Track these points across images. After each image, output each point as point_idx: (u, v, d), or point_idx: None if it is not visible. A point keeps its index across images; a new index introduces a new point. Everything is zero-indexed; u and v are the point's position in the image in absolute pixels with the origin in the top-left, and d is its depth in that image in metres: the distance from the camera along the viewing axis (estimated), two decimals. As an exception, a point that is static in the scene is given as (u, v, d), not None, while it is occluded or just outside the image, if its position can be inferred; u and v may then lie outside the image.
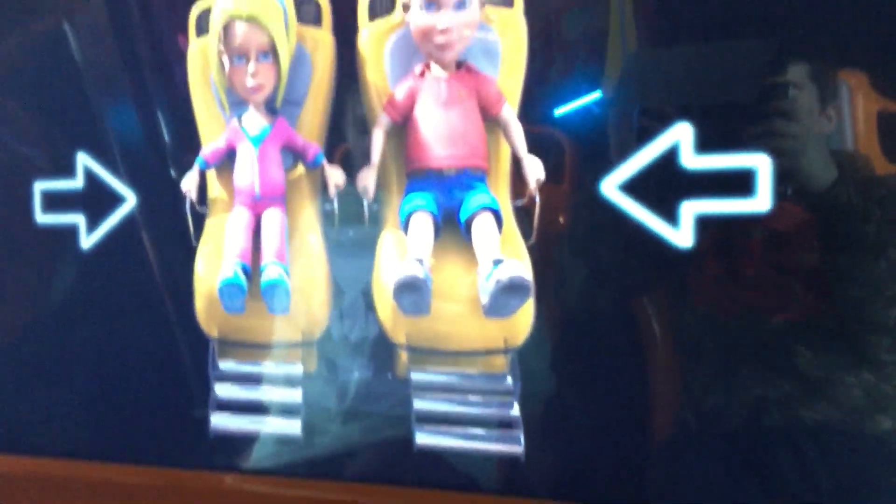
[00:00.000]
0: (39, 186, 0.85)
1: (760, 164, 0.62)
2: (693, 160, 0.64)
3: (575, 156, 0.70)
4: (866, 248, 0.63)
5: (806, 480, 0.65)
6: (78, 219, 0.84)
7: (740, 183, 0.63)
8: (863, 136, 0.63)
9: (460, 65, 0.72)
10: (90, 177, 0.83)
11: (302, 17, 0.75)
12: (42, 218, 0.85)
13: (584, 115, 0.69)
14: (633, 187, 0.66)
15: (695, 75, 0.65)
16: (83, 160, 0.83)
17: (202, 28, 0.77)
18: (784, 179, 0.62)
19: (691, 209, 0.64)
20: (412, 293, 0.68)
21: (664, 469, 0.68)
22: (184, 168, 0.78)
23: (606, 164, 0.67)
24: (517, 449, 0.70)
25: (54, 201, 0.85)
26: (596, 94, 0.69)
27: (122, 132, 0.83)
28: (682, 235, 0.65)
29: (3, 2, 0.88)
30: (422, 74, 0.72)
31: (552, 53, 0.71)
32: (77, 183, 0.84)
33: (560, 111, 0.70)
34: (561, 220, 0.70)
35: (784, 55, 0.63)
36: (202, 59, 0.77)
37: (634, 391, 0.69)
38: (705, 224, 0.64)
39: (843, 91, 0.63)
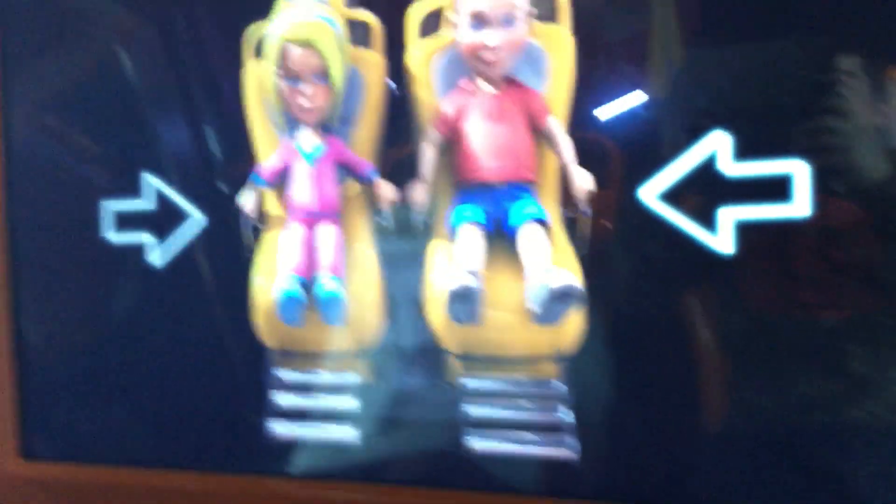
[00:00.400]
0: (110, 207, 0.89)
1: (798, 169, 0.63)
2: (732, 167, 0.66)
3: (616, 165, 0.71)
4: None
5: (861, 481, 0.65)
6: (146, 237, 0.88)
7: (779, 188, 0.64)
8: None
9: (507, 80, 0.74)
10: (157, 196, 0.87)
11: (354, 39, 0.78)
12: (113, 237, 0.89)
13: (624, 123, 0.70)
14: (673, 196, 0.67)
15: (735, 80, 0.66)
16: (150, 181, 0.87)
17: (258, 50, 0.80)
18: (832, 177, 0.63)
19: (731, 215, 0.65)
20: (464, 302, 0.69)
21: (716, 471, 0.69)
22: (242, 186, 0.81)
23: (648, 172, 0.68)
24: (569, 453, 0.71)
25: (125, 221, 0.89)
26: (637, 102, 0.70)
27: (186, 153, 0.87)
28: (722, 241, 0.66)
29: (64, 28, 0.93)
30: (470, 90, 0.74)
31: (592, 63, 0.72)
32: (146, 203, 0.87)
33: (600, 119, 0.72)
34: (607, 229, 0.72)
35: (829, 53, 0.64)
36: (258, 81, 0.81)
37: (684, 394, 0.69)
38: (746, 229, 0.65)
39: (890, 86, 0.63)
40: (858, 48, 0.64)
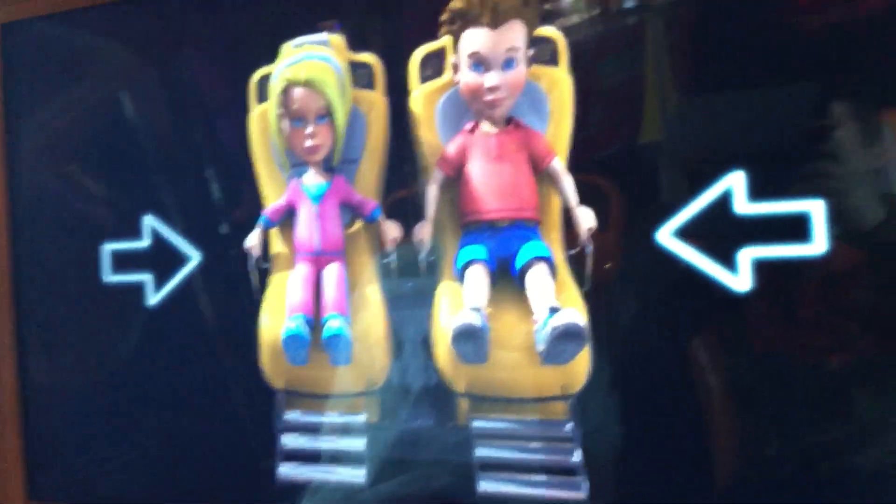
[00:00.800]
0: (112, 249, 0.90)
1: (814, 208, 0.63)
2: (746, 206, 0.66)
3: (626, 205, 0.71)
4: None
5: None
6: (146, 278, 0.88)
7: (795, 227, 0.64)
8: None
9: (509, 121, 0.74)
10: (157, 238, 0.88)
11: (356, 81, 0.79)
12: (116, 279, 0.90)
13: (635, 163, 0.71)
14: (688, 234, 0.68)
15: (740, 121, 0.67)
16: (152, 223, 0.88)
17: (262, 94, 0.81)
18: (838, 221, 0.63)
19: (748, 254, 0.66)
20: (470, 342, 0.69)
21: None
22: (247, 227, 0.81)
23: (660, 212, 0.69)
24: (580, 495, 0.70)
25: (126, 262, 0.89)
26: (645, 142, 0.71)
27: (188, 195, 0.88)
28: (740, 280, 0.66)
29: (67, 72, 0.94)
30: (472, 131, 0.75)
31: (597, 104, 0.73)
32: (144, 243, 0.88)
33: (607, 160, 0.72)
34: (615, 267, 0.72)
35: (827, 97, 0.64)
36: (262, 123, 0.81)
37: (695, 436, 0.69)
38: (763, 268, 0.65)
39: (889, 129, 0.64)
40: (862, 94, 0.64)
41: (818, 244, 0.63)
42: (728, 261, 0.66)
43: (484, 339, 0.69)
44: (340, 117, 0.76)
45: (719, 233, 0.66)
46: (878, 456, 0.64)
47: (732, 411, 0.68)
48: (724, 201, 0.67)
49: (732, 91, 0.68)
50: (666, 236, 0.68)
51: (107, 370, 0.92)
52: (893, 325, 0.64)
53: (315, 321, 0.77)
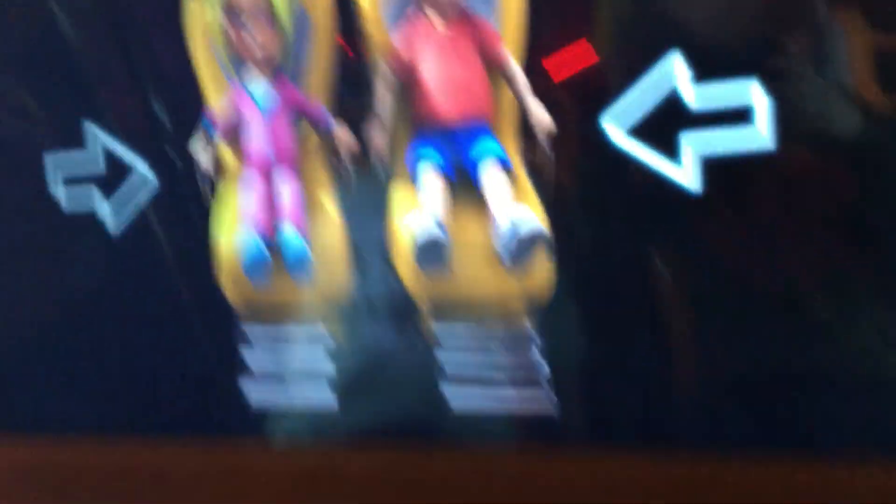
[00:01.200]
0: (54, 163, 0.85)
1: (759, 100, 0.60)
2: (692, 96, 0.62)
3: (570, 104, 0.67)
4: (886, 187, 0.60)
5: (820, 424, 0.63)
6: (96, 197, 0.84)
7: (742, 121, 0.61)
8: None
9: (457, 10, 0.69)
10: (105, 153, 0.83)
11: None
12: (62, 195, 0.86)
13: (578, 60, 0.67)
14: (634, 129, 0.64)
15: (689, 9, 0.62)
16: (95, 135, 0.83)
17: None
18: (790, 120, 0.60)
19: (694, 147, 0.62)
20: (431, 252, 0.67)
21: (684, 413, 0.67)
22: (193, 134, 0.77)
23: (604, 107, 0.65)
24: (546, 403, 0.69)
25: (71, 179, 0.85)
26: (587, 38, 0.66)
27: (132, 105, 0.83)
28: (686, 175, 0.63)
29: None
30: (420, 24, 0.70)
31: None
32: (92, 160, 0.83)
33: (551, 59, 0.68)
34: (570, 170, 0.68)
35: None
36: (202, 24, 0.76)
37: (653, 337, 0.67)
38: (711, 164, 0.62)
39: (840, 28, 0.60)
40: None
41: (766, 138, 0.60)
42: (675, 156, 0.63)
43: (445, 248, 0.67)
44: (285, 17, 0.72)
45: (666, 125, 0.63)
46: (837, 364, 0.62)
47: (694, 319, 0.66)
48: (673, 97, 0.63)
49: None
50: (612, 130, 0.65)
51: (56, 292, 0.90)
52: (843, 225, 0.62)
53: (271, 235, 0.75)
